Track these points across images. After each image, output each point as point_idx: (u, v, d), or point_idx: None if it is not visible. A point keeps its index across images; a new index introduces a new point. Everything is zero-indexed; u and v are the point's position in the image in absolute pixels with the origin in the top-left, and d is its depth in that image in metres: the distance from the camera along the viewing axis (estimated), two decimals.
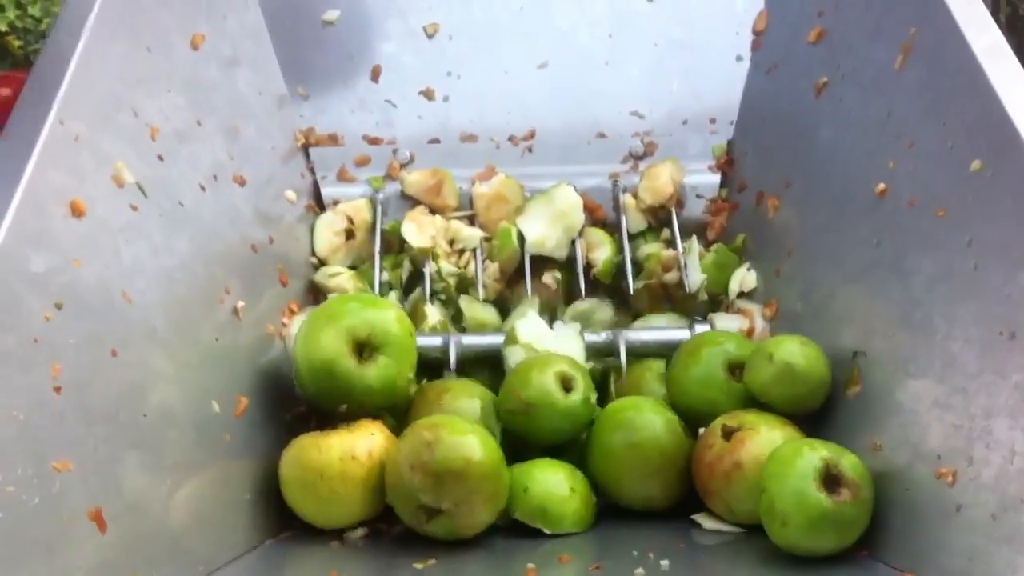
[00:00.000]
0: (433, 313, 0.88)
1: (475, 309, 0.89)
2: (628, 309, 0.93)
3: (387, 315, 0.75)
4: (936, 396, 0.61)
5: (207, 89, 0.82)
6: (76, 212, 0.60)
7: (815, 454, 0.63)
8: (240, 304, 0.77)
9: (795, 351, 0.73)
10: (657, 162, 0.97)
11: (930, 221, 0.66)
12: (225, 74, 0.85)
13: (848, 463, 0.63)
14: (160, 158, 0.72)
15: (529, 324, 0.83)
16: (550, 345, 0.82)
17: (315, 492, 0.70)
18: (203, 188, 0.77)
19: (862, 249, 0.73)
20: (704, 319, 0.88)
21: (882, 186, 0.72)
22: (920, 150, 0.69)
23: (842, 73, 0.81)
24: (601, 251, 0.95)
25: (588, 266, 0.94)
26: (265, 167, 0.88)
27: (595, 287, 0.95)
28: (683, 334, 0.86)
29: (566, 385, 0.76)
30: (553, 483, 0.72)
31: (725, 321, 0.86)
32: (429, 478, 0.66)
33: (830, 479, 0.62)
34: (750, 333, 0.84)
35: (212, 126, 0.81)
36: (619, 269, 0.93)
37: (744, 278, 0.90)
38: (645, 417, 0.74)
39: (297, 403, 0.79)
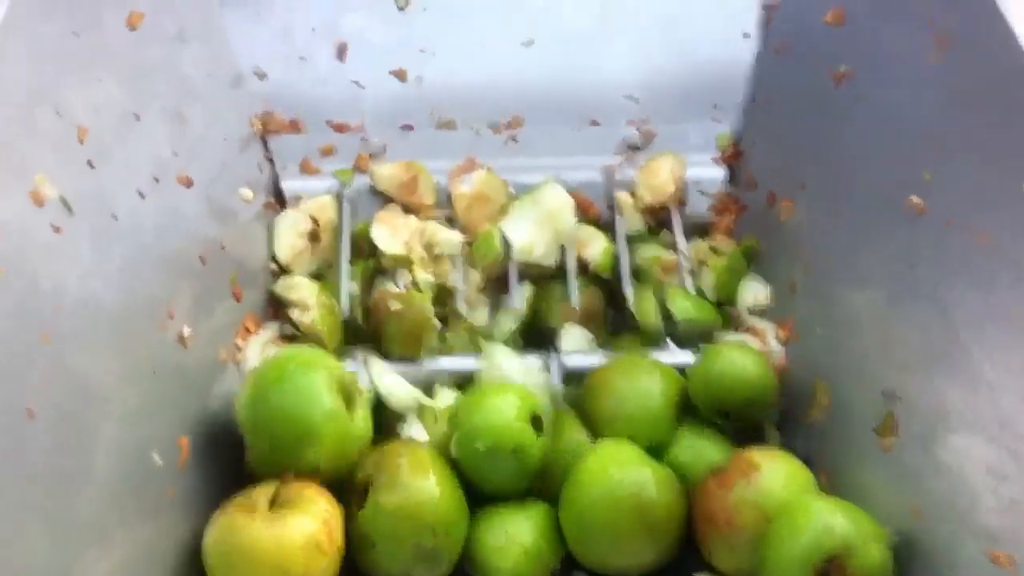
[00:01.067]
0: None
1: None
2: (624, 322, 0.84)
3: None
4: (988, 460, 0.54)
5: (147, 75, 0.72)
6: None
7: (830, 532, 0.55)
8: (186, 331, 0.68)
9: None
10: (656, 156, 0.88)
11: (972, 247, 0.58)
12: (169, 55, 0.76)
13: (864, 564, 0.54)
14: (90, 164, 0.63)
15: (494, 361, 0.75)
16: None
17: None
18: (142, 195, 0.67)
19: (893, 271, 0.66)
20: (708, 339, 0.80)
21: (915, 200, 0.64)
22: (960, 161, 0.61)
23: (866, 62, 0.73)
24: (595, 245, 0.87)
25: (583, 264, 0.86)
26: (216, 162, 0.79)
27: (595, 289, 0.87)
28: (684, 358, 0.78)
29: None
30: (490, 532, 0.68)
31: (734, 341, 0.78)
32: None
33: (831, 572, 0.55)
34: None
35: (153, 118, 0.71)
36: (617, 263, 0.85)
37: (755, 291, 0.82)
38: (629, 471, 0.66)
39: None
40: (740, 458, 0.66)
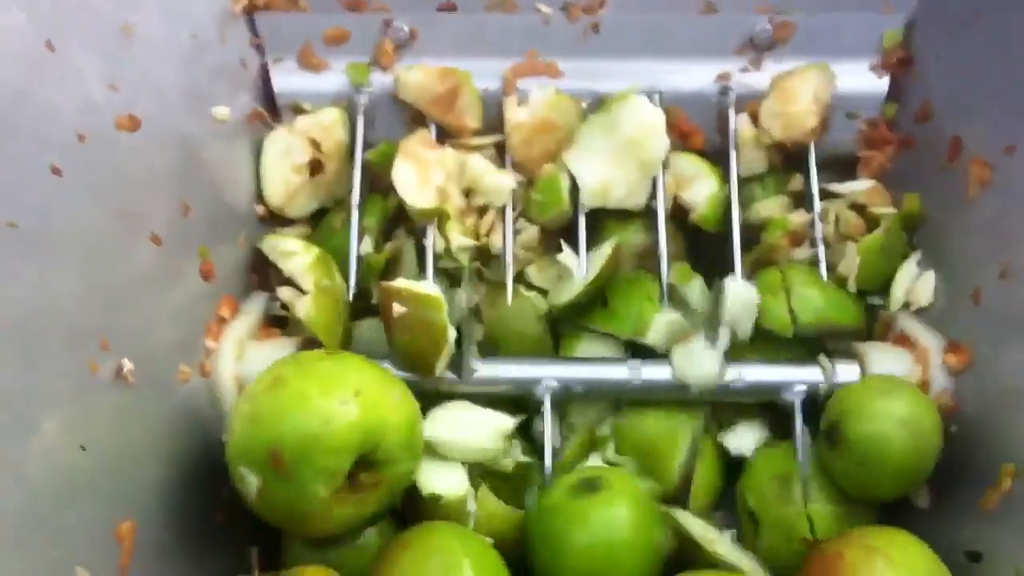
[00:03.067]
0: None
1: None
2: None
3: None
4: None
5: None
6: None
7: None
8: (127, 364, 0.52)
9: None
10: (794, 70, 0.67)
11: None
12: None
13: None
14: None
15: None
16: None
17: None
18: (58, 171, 0.50)
19: None
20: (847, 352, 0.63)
21: None
22: None
23: None
24: (700, 186, 0.68)
25: (680, 210, 0.68)
26: (177, 77, 0.60)
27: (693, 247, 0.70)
28: (810, 374, 0.62)
29: None
30: None
31: (882, 358, 0.61)
32: None
33: None
34: (923, 388, 0.60)
35: (78, 42, 0.52)
36: (729, 217, 0.67)
37: (915, 282, 0.63)
38: None
39: (226, 485, 0.56)
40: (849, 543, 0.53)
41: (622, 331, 0.62)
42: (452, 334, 0.59)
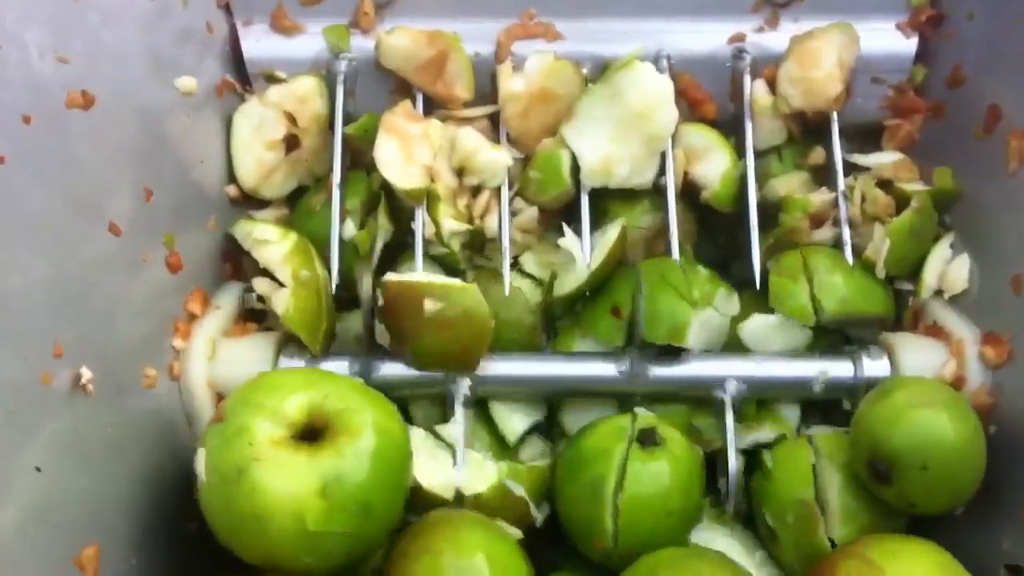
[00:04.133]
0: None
1: None
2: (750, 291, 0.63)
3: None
4: None
5: None
6: None
7: None
8: (86, 375, 0.48)
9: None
10: (815, 31, 0.63)
11: None
12: None
13: None
14: None
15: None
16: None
17: None
18: (1, 158, 0.45)
19: None
20: (875, 344, 0.59)
21: None
22: None
23: None
24: (713, 162, 0.64)
25: (691, 187, 0.64)
26: (133, 45, 0.56)
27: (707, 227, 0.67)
28: (840, 368, 0.58)
29: None
30: None
31: (913, 351, 0.58)
32: None
33: None
34: (958, 383, 0.56)
35: (19, 9, 0.48)
36: (744, 194, 0.63)
37: (948, 267, 0.60)
38: None
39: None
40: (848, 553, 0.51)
41: (656, 337, 0.58)
42: (492, 322, 0.56)
